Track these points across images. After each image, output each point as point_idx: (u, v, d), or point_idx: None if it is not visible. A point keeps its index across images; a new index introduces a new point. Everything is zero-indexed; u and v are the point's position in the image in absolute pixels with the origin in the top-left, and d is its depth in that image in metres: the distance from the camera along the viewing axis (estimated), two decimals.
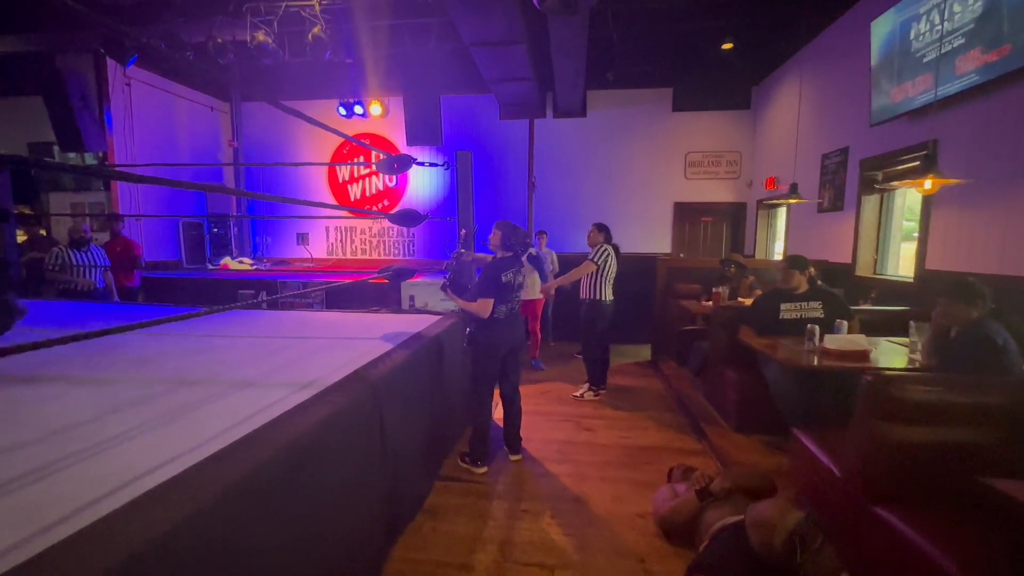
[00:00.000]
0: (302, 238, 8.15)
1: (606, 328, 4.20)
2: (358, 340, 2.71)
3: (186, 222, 7.21)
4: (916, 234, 3.81)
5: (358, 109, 7.24)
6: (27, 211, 6.44)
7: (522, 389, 3.11)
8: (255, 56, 4.10)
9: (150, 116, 6.64)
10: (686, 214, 7.51)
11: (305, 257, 8.08)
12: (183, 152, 7.21)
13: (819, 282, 3.21)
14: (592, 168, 7.51)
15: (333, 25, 5.92)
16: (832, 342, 2.53)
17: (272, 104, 2.36)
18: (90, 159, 6.01)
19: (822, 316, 3.02)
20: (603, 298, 4.06)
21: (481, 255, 3.49)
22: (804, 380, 2.64)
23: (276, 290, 5.29)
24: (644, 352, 5.81)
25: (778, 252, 6.85)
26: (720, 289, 4.19)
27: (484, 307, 2.73)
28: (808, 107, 5.50)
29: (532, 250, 5.57)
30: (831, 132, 4.98)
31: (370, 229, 8.00)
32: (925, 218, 3.64)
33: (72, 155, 6.08)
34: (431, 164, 3.50)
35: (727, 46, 5.97)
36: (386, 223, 7.98)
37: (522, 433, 3.12)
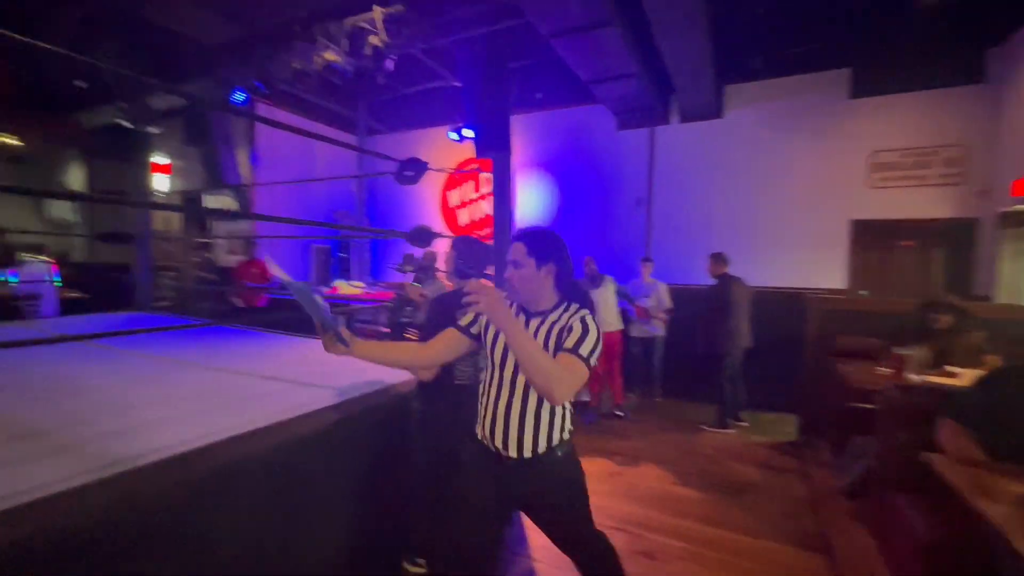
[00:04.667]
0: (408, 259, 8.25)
1: None
2: (252, 401, 2.09)
3: (316, 246, 7.85)
4: None
5: (467, 132, 7.05)
6: (202, 239, 7.67)
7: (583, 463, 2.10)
8: (325, 75, 4.04)
9: (294, 149, 7.41)
10: (872, 236, 5.44)
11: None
12: (321, 184, 7.91)
13: None
14: (728, 181, 6.00)
15: (441, 53, 5.82)
16: None
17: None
18: (228, 200, 6.81)
19: None
20: None
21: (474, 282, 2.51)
22: None
23: (355, 314, 5.20)
24: (789, 426, 4.14)
25: None
26: (908, 351, 2.57)
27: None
28: None
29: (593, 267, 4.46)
30: None
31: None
32: None
33: (227, 190, 7.04)
34: (460, 171, 2.81)
35: None
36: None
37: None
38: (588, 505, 1.50)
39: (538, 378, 1.19)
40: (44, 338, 1.96)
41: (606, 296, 4.27)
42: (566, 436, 1.43)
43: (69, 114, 6.74)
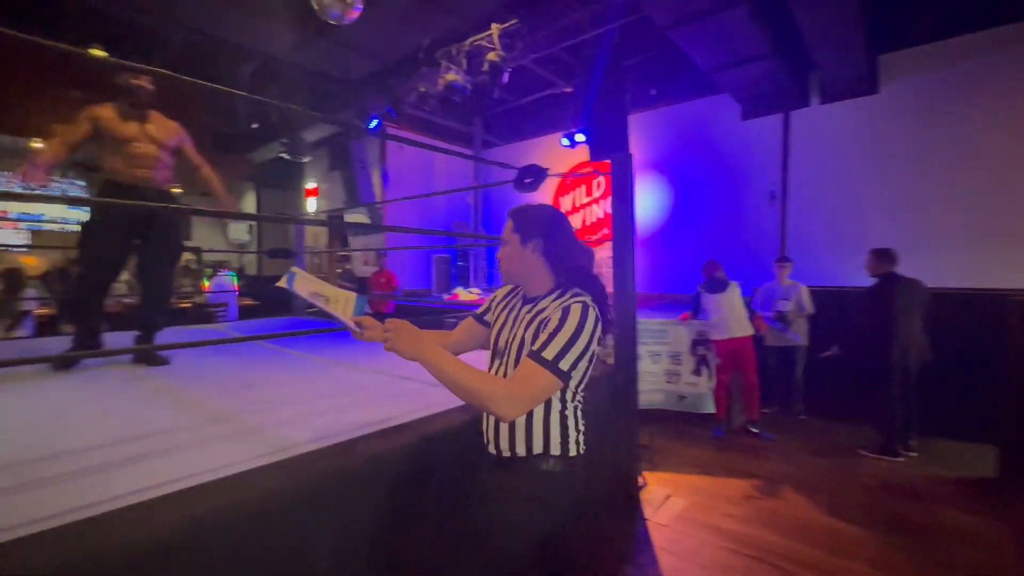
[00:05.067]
0: None
1: None
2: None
3: (437, 255, 8.40)
4: None
5: (579, 137, 7.02)
6: (343, 252, 8.65)
7: (697, 481, 2.00)
8: (446, 95, 4.31)
9: (417, 168, 8.04)
10: None
11: None
12: (440, 199, 8.48)
13: None
14: (886, 166, 5.13)
15: (550, 61, 5.90)
16: None
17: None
18: (361, 214, 7.58)
19: None
20: None
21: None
22: None
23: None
24: (983, 458, 3.36)
25: None
26: None
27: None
28: None
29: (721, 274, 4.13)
30: None
31: None
32: None
33: (363, 208, 7.86)
34: (577, 175, 2.79)
35: None
36: (605, 252, 7.43)
37: None
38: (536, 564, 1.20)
39: (467, 400, 1.08)
40: (228, 338, 2.34)
41: (733, 300, 3.93)
42: (555, 450, 1.17)
43: (245, 152, 8.12)
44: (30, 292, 4.96)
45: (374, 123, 5.36)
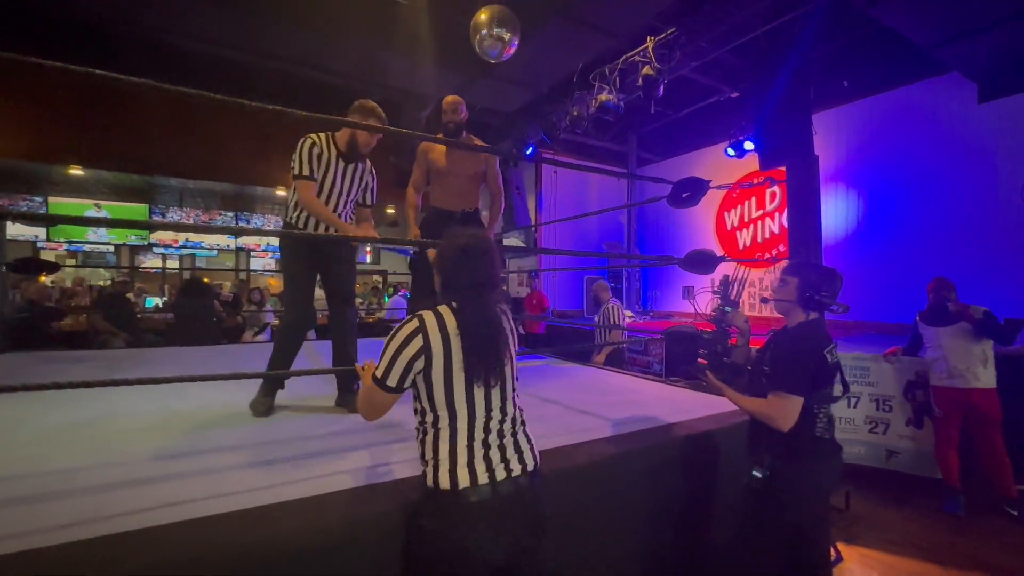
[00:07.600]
0: (687, 292, 7.77)
1: None
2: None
3: (588, 277, 8.32)
4: None
5: (748, 145, 6.31)
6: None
7: (919, 568, 1.57)
8: (599, 115, 4.27)
9: (570, 191, 8.16)
10: None
11: (690, 311, 7.64)
12: (592, 220, 8.43)
13: None
14: None
15: (713, 67, 5.48)
16: None
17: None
18: (516, 238, 7.89)
19: None
20: None
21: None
22: None
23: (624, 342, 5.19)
24: None
25: None
26: None
27: (786, 410, 1.45)
28: None
29: None
30: None
31: (760, 281, 6.69)
32: None
33: (518, 231, 8.23)
34: (748, 185, 2.49)
35: None
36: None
37: None
38: None
39: None
40: None
41: (960, 336, 2.98)
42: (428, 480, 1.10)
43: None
44: (268, 307, 6.31)
45: (529, 150, 5.58)
